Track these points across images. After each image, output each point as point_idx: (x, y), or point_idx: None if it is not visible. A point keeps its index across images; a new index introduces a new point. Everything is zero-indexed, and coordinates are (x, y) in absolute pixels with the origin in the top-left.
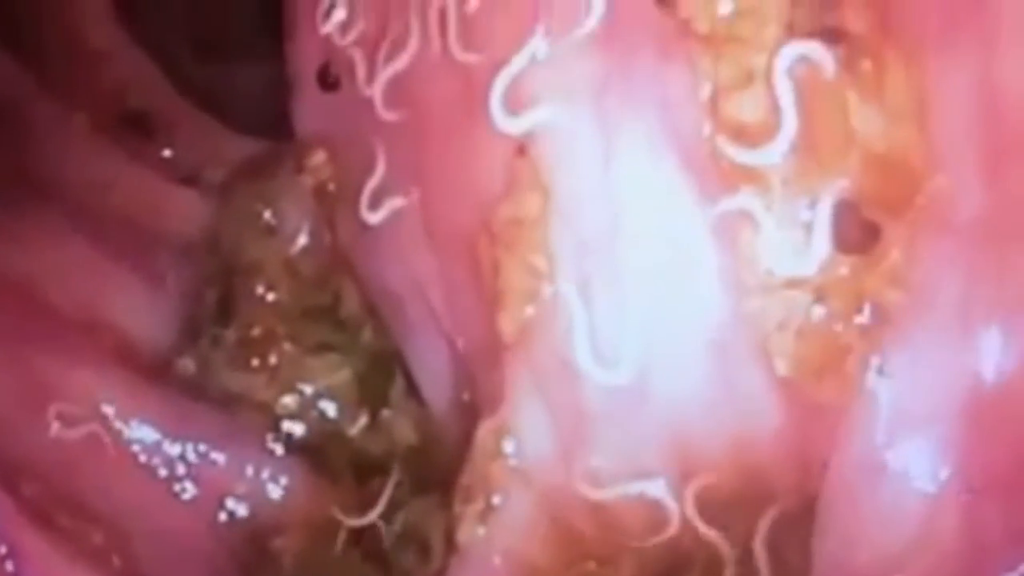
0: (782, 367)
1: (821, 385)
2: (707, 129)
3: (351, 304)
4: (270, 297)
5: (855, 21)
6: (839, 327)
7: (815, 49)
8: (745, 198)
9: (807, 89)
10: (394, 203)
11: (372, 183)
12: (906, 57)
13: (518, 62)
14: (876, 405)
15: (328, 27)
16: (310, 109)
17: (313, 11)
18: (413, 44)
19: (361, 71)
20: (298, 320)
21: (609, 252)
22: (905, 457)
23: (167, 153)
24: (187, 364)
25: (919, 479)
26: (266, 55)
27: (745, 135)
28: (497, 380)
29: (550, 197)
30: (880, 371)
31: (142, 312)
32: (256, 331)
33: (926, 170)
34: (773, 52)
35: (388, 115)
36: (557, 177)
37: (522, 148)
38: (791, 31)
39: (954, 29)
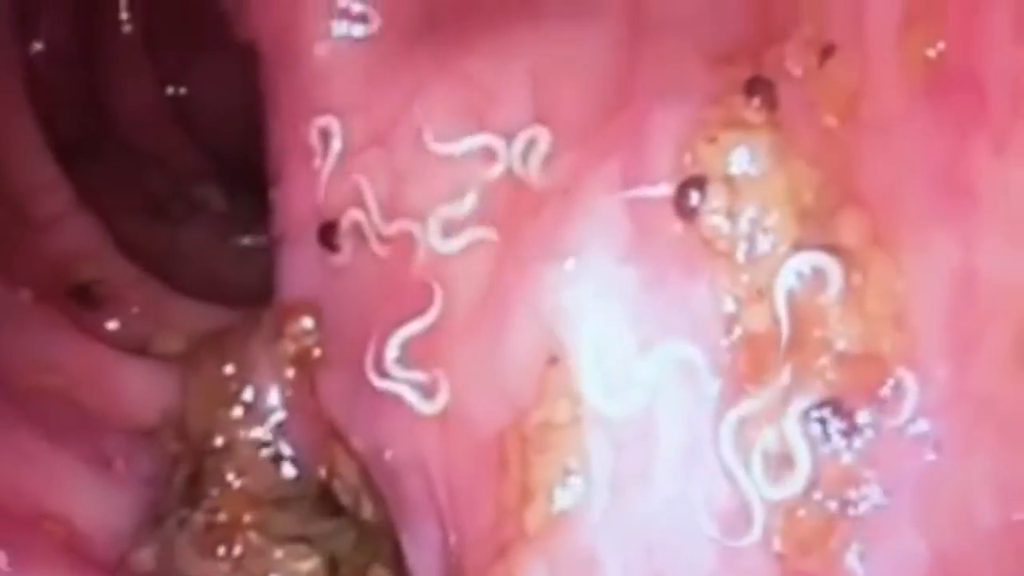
0: (777, 544)
1: (807, 559)
2: (726, 342)
3: (347, 476)
4: (237, 484)
5: (850, 235)
6: (826, 511)
7: (819, 260)
8: (753, 403)
9: (800, 304)
10: (410, 376)
11: (386, 354)
12: (893, 263)
13: (551, 275)
14: None
15: (327, 185)
16: (301, 270)
17: (306, 164)
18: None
19: (372, 235)
20: (267, 507)
21: (641, 450)
22: None
23: (116, 324)
24: (145, 557)
25: None
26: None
27: (756, 347)
28: (503, 572)
29: (582, 403)
30: (860, 555)
31: (93, 501)
32: (222, 517)
33: (895, 363)
34: (781, 266)
35: (416, 297)
36: (589, 386)
37: (554, 358)
38: (798, 246)
39: (936, 224)
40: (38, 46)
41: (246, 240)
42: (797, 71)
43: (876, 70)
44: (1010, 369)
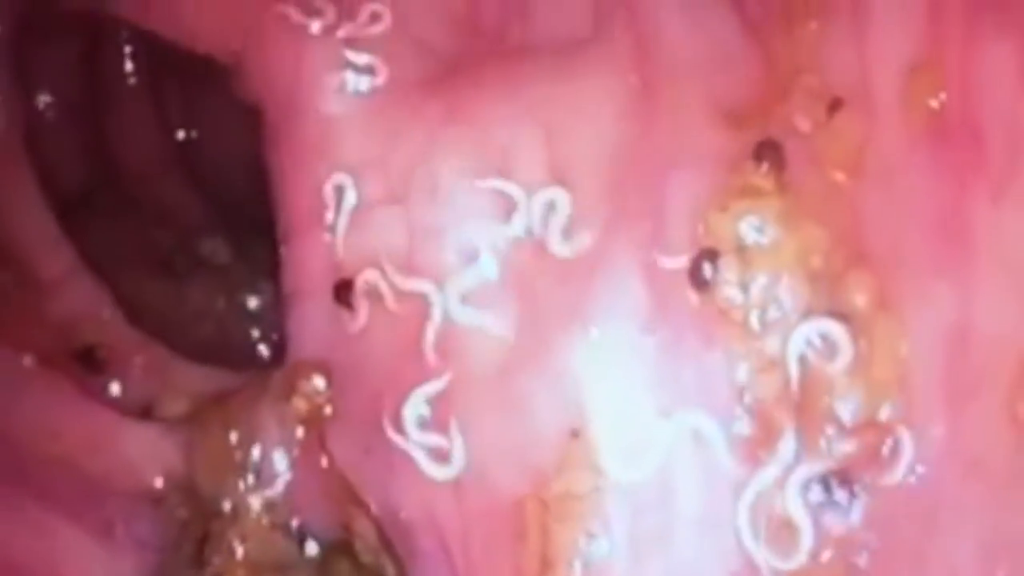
0: None
1: None
2: (740, 410)
3: (366, 535)
4: (240, 552)
5: (858, 298)
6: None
7: (828, 328)
8: (764, 472)
9: (809, 372)
10: (426, 439)
11: (403, 415)
12: (898, 324)
13: (574, 345)
14: None
15: (342, 242)
16: (313, 328)
17: (319, 221)
18: None
19: (388, 295)
20: (269, 571)
21: (660, 515)
22: None
23: (119, 387)
24: None
25: None
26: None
27: (767, 416)
28: None
29: (603, 474)
30: None
31: (95, 570)
32: None
33: (894, 423)
34: (792, 333)
35: (432, 360)
36: (609, 457)
37: (576, 431)
38: (808, 313)
39: (937, 277)
40: (43, 98)
41: (252, 300)
42: (805, 126)
43: (881, 121)
44: (1000, 425)
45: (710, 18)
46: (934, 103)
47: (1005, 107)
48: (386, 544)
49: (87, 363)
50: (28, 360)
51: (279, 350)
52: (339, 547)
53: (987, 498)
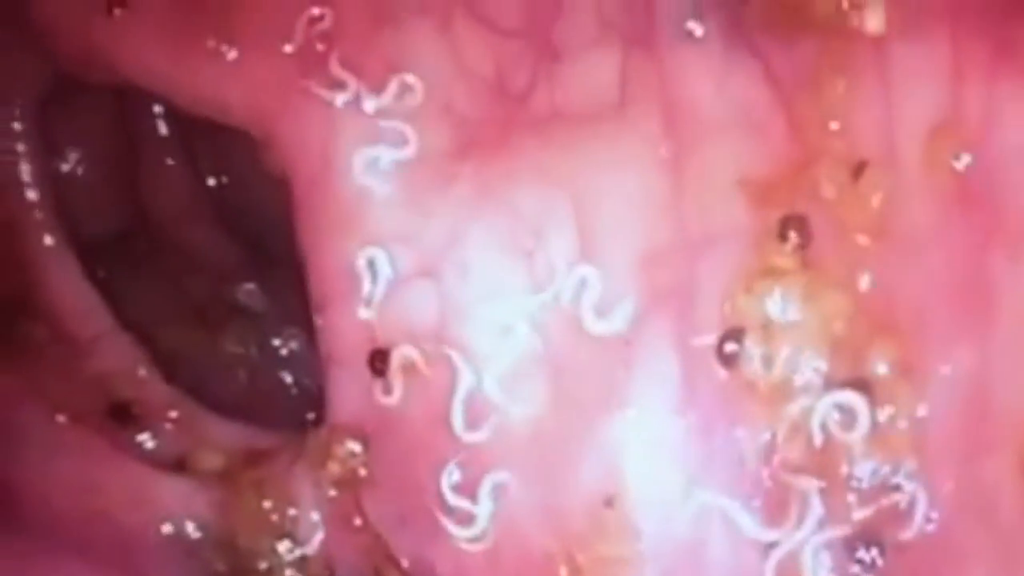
0: None
1: None
2: (767, 480)
3: None
4: None
5: (880, 367)
6: None
7: (848, 399)
8: (788, 540)
9: (829, 442)
10: (462, 505)
11: (439, 480)
12: (918, 392)
13: (611, 424)
14: None
15: (377, 313)
16: (349, 395)
17: (354, 291)
18: None
19: (423, 368)
20: None
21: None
22: None
23: (153, 442)
24: None
25: None
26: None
27: (791, 486)
28: None
29: (636, 540)
30: None
31: None
32: None
33: (910, 482)
34: (815, 405)
35: (465, 431)
36: (642, 525)
37: (609, 500)
38: (830, 384)
39: (957, 339)
40: (73, 154)
41: (282, 347)
42: (831, 192)
43: (906, 183)
44: (1012, 481)
45: (738, 81)
46: (957, 164)
47: (1021, 165)
48: None
49: (121, 419)
50: (62, 417)
51: (311, 398)
52: None
53: (997, 552)
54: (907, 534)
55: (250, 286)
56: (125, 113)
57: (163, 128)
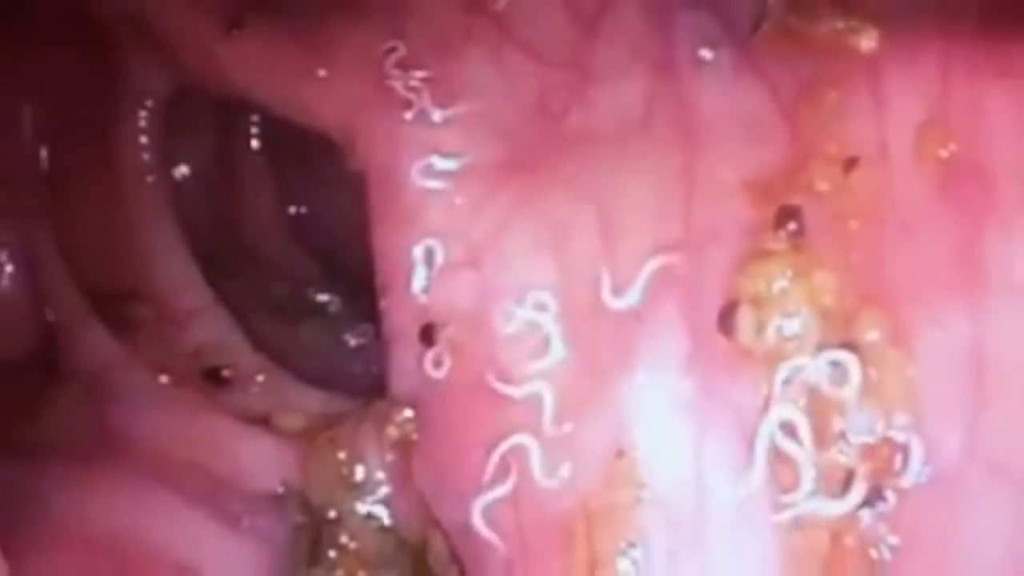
0: None
1: None
2: (764, 435)
3: (436, 547)
4: (352, 546)
5: (870, 333)
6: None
7: (840, 356)
8: (789, 483)
9: (822, 398)
10: (493, 463)
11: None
12: (907, 354)
13: (624, 386)
14: None
15: (419, 294)
16: (404, 368)
17: (404, 277)
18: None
19: (465, 346)
20: (375, 567)
21: (694, 526)
22: None
23: (242, 402)
24: None
25: None
26: (328, 316)
27: (788, 439)
28: None
29: (643, 489)
30: None
31: (222, 555)
32: (340, 572)
33: (905, 436)
34: (807, 364)
35: (501, 396)
36: (652, 476)
37: (621, 452)
38: (820, 346)
39: (949, 307)
40: (183, 169)
41: (352, 340)
42: (824, 187)
43: (896, 174)
44: (1022, 430)
45: (745, 95)
46: (944, 153)
47: (1009, 152)
48: (454, 555)
49: (214, 381)
50: (164, 379)
51: (377, 383)
52: (426, 546)
53: (1016, 502)
54: (905, 482)
55: (326, 292)
56: (227, 143)
57: (258, 160)
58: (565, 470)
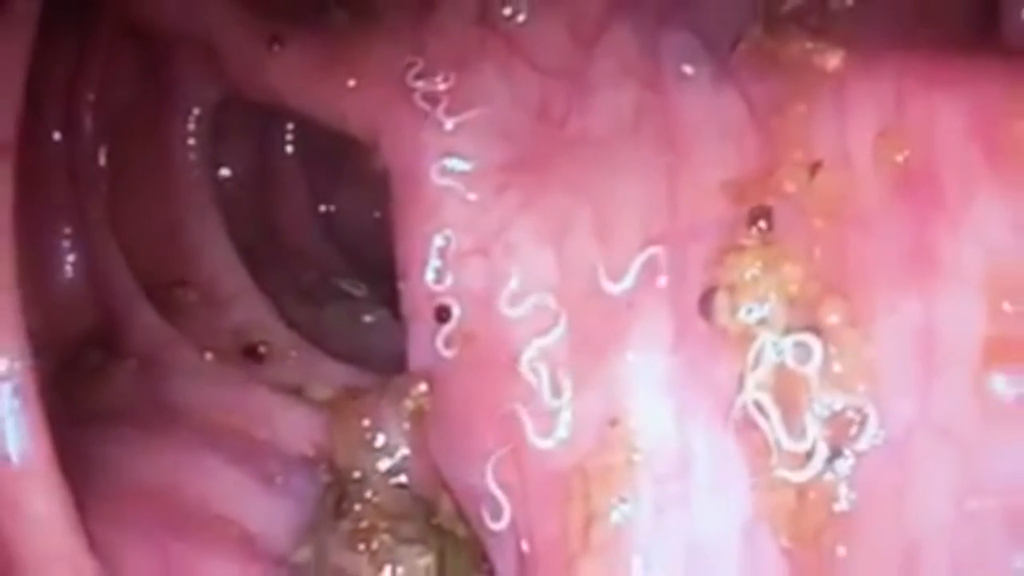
0: (785, 542)
1: (807, 551)
2: (739, 405)
3: (445, 506)
4: (375, 500)
5: (830, 315)
6: (818, 517)
7: (804, 339)
8: (762, 446)
9: (788, 374)
10: (501, 432)
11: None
12: (863, 335)
13: (618, 363)
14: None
15: (433, 280)
16: (420, 345)
17: (421, 264)
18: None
19: (474, 327)
20: (395, 518)
21: (679, 484)
22: None
23: (277, 375)
24: (303, 553)
25: None
26: (352, 300)
27: (759, 410)
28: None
29: (636, 453)
30: (846, 548)
31: (260, 509)
32: (364, 524)
33: (862, 404)
34: (776, 343)
35: (505, 372)
36: (642, 442)
37: (614, 421)
38: (786, 328)
39: (903, 294)
40: (225, 171)
41: (369, 318)
42: (791, 188)
43: (856, 177)
44: (968, 400)
45: (723, 107)
46: (899, 158)
47: (956, 157)
48: (461, 512)
49: (252, 357)
50: (209, 356)
51: (396, 359)
52: (437, 503)
53: (959, 457)
54: (862, 446)
55: (349, 279)
56: (265, 149)
57: (291, 164)
58: (564, 436)
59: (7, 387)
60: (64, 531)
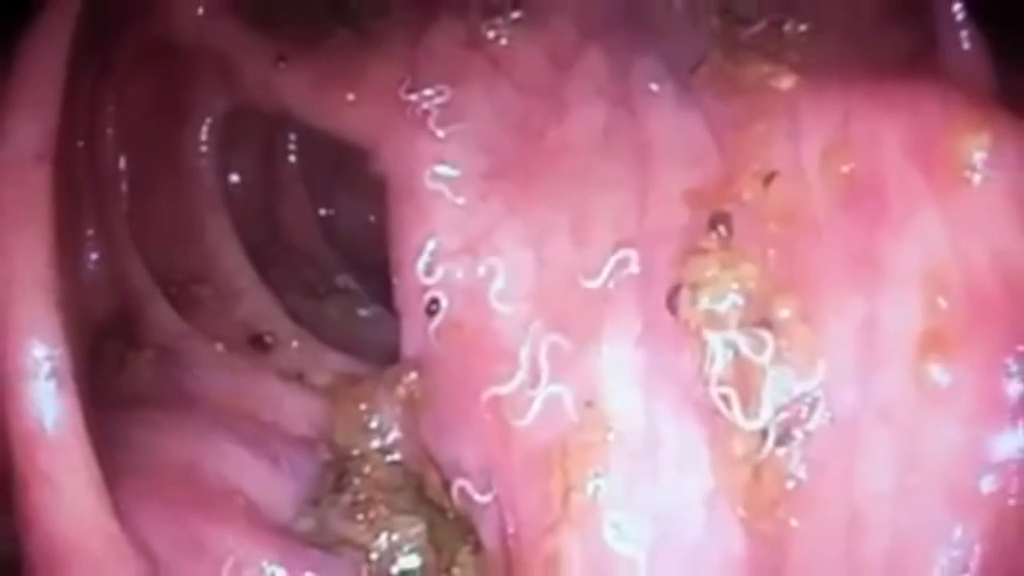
0: (742, 512)
1: (762, 522)
2: (700, 391)
3: (433, 481)
4: (373, 475)
5: (782, 310)
6: (771, 492)
7: (758, 332)
8: (723, 428)
9: (744, 362)
10: (492, 417)
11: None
12: (812, 329)
13: (592, 355)
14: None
15: (424, 275)
16: (412, 336)
17: (413, 260)
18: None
19: (461, 317)
20: (390, 491)
21: (649, 459)
22: None
23: (281, 362)
24: (305, 523)
25: None
26: (349, 295)
27: (718, 396)
28: (551, 543)
29: (610, 432)
30: (799, 519)
31: (265, 484)
32: (362, 496)
33: (812, 390)
34: (734, 336)
35: (492, 358)
36: (615, 422)
37: (590, 402)
38: (742, 322)
39: (849, 293)
40: (234, 177)
41: (365, 312)
42: (748, 196)
43: (807, 187)
44: (907, 386)
45: (686, 123)
46: (845, 169)
47: (897, 169)
48: (447, 489)
49: (258, 346)
50: (219, 346)
51: (390, 350)
52: (425, 479)
53: (897, 436)
54: (810, 427)
55: (346, 275)
56: (270, 157)
57: (294, 171)
58: (544, 417)
59: (45, 368)
60: (94, 503)
